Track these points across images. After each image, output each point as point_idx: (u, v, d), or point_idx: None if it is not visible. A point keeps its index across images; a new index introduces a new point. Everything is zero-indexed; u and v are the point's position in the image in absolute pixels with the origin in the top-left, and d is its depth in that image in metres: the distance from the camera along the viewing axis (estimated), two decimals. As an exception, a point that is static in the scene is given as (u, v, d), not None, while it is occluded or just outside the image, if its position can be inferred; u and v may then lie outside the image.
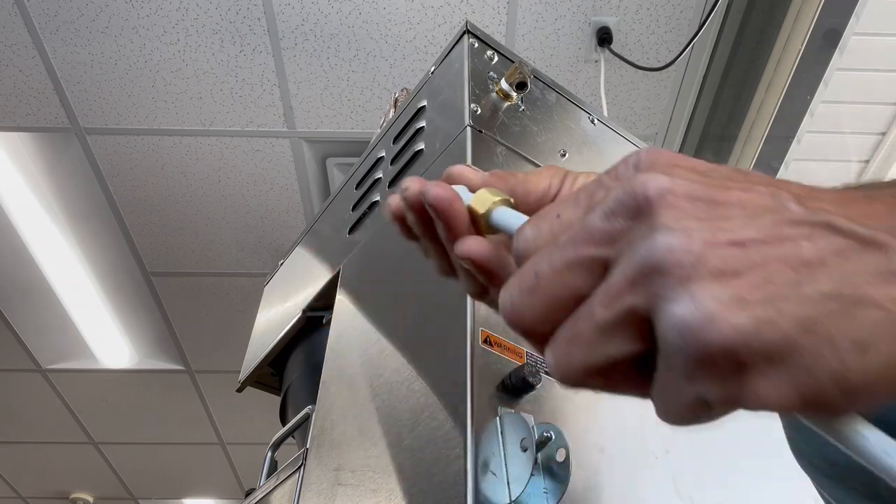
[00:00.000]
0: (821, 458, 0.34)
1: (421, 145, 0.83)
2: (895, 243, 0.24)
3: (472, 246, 0.34)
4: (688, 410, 0.25)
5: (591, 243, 0.27)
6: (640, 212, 0.25)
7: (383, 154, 0.96)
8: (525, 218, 0.32)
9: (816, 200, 0.25)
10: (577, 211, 0.29)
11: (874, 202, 0.26)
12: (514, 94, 0.78)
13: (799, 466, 0.39)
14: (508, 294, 0.29)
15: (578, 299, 0.27)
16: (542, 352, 0.29)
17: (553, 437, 0.48)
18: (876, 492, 0.30)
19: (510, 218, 0.34)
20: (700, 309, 0.23)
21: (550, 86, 0.88)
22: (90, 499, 4.08)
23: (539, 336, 0.28)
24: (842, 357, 0.22)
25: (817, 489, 0.36)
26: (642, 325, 0.25)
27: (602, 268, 0.26)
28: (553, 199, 0.37)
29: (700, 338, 0.23)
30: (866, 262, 0.23)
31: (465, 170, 0.38)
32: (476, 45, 0.82)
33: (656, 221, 0.25)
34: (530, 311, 0.28)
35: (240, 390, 1.23)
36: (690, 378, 0.24)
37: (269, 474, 0.93)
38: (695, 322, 0.23)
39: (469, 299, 0.56)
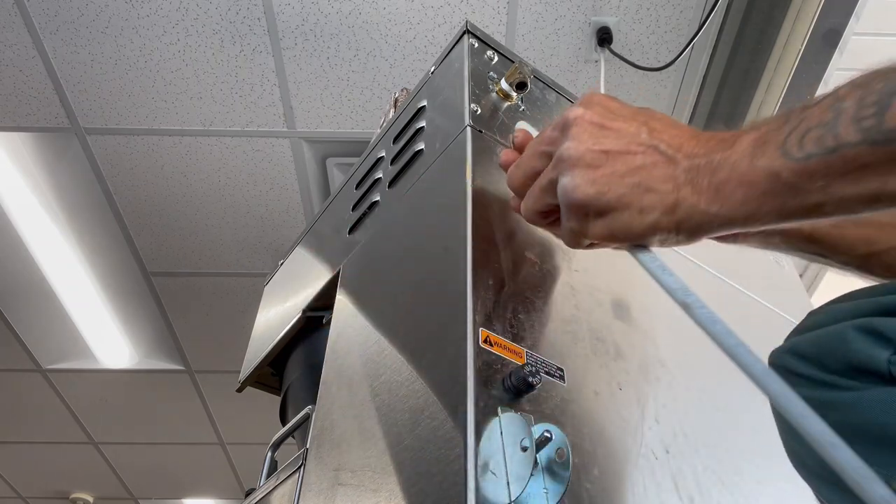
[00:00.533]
0: (815, 461, 0.34)
1: (421, 145, 0.83)
2: (683, 161, 0.43)
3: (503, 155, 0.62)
4: (569, 238, 0.48)
5: (543, 143, 0.50)
6: (564, 127, 0.49)
7: (383, 154, 0.96)
8: None
9: (660, 132, 0.45)
10: (546, 128, 0.51)
11: (698, 137, 0.44)
12: (514, 94, 0.78)
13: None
14: (510, 170, 0.54)
15: (538, 173, 0.50)
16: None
17: (553, 437, 0.48)
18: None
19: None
20: (572, 182, 0.46)
21: (550, 86, 0.88)
22: (90, 499, 4.08)
23: (520, 194, 0.53)
24: (632, 215, 0.44)
25: (814, 493, 0.37)
26: (555, 188, 0.47)
27: (548, 158, 0.49)
28: None
29: (570, 196, 0.46)
30: (664, 169, 0.43)
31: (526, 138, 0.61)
32: (476, 45, 0.83)
33: (567, 133, 0.48)
34: (517, 176, 0.53)
35: (240, 390, 1.23)
36: (567, 218, 0.47)
37: (269, 474, 0.93)
38: (569, 188, 0.46)
39: (469, 299, 0.56)
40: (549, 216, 0.51)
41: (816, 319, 0.37)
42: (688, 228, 0.42)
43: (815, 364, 0.35)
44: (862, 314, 0.34)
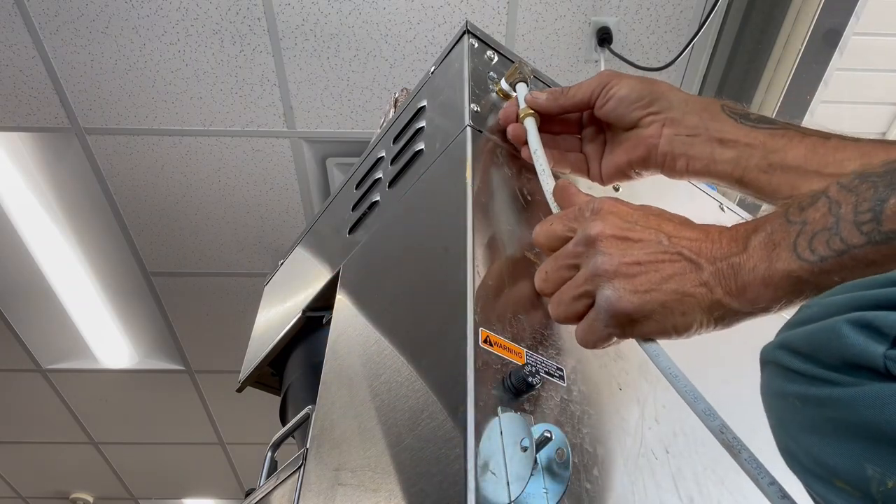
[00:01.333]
0: (810, 459, 0.34)
1: (421, 145, 0.83)
2: (707, 266, 0.48)
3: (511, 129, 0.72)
4: (600, 341, 0.52)
5: (570, 257, 0.54)
6: (589, 243, 0.52)
7: (383, 154, 0.96)
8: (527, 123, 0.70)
9: (678, 238, 0.50)
10: (562, 229, 0.56)
11: (711, 239, 0.49)
12: (514, 94, 0.78)
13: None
14: (538, 282, 0.57)
15: (566, 282, 0.54)
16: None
17: (553, 437, 0.48)
18: (868, 493, 0.30)
19: (529, 126, 0.69)
20: (616, 294, 0.50)
21: (550, 86, 0.88)
22: (90, 499, 4.08)
23: (548, 295, 0.56)
24: (676, 318, 0.49)
25: (807, 491, 0.36)
26: (590, 297, 0.52)
27: (575, 269, 0.53)
28: (595, 103, 0.68)
29: (615, 306, 0.50)
30: (694, 275, 0.48)
31: (533, 98, 0.71)
32: (476, 45, 0.83)
33: (594, 248, 0.52)
34: (546, 287, 0.56)
35: (240, 390, 1.22)
36: (606, 324, 0.51)
37: (269, 474, 0.93)
38: (613, 299, 0.50)
39: (469, 299, 0.57)
40: (576, 319, 0.54)
41: (809, 313, 0.36)
42: (722, 322, 0.49)
43: (809, 359, 0.34)
44: (856, 308, 0.33)
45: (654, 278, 0.49)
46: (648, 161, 0.67)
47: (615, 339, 0.52)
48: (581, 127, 0.74)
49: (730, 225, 0.50)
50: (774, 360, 0.37)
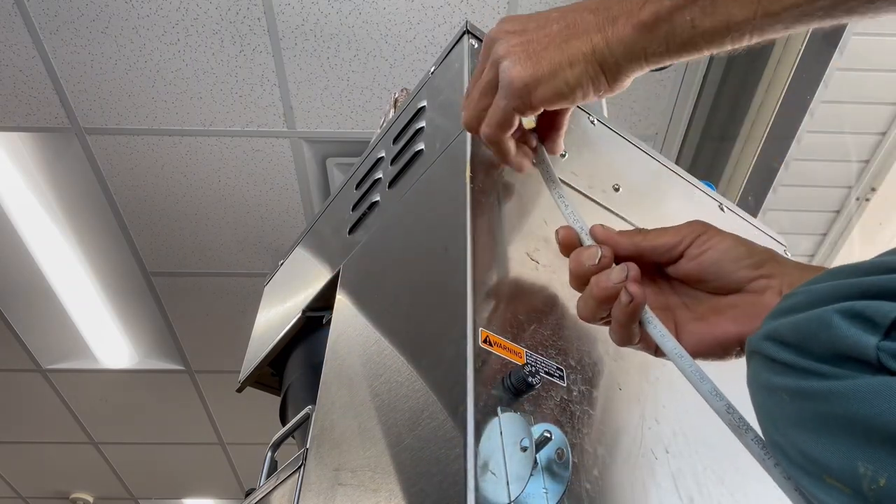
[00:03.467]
0: (798, 454, 0.33)
1: (421, 145, 0.83)
2: (588, 16, 0.54)
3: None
4: (502, 123, 0.59)
5: (480, 76, 0.60)
6: (494, 59, 0.58)
7: (383, 154, 0.96)
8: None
9: (568, 10, 0.56)
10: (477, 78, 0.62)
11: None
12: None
13: None
14: (464, 121, 0.64)
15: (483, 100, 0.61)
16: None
17: (553, 437, 0.48)
18: (859, 490, 0.29)
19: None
20: (511, 62, 0.56)
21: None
22: (90, 499, 4.08)
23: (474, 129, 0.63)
24: (565, 72, 0.54)
25: (796, 486, 0.35)
26: (494, 85, 0.58)
27: (489, 87, 0.60)
28: (683, 253, 0.54)
29: (510, 73, 0.56)
30: (577, 28, 0.55)
31: (605, 232, 0.57)
32: (476, 45, 0.83)
33: (498, 52, 0.58)
34: (468, 115, 0.63)
35: (240, 390, 1.22)
36: (506, 99, 0.57)
37: (269, 474, 0.93)
38: (509, 67, 0.56)
39: (469, 299, 0.56)
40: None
41: (794, 301, 0.35)
42: (610, 75, 0.54)
43: (797, 351, 0.33)
44: (843, 296, 0.32)
45: (543, 42, 0.55)
46: None
47: (517, 116, 0.58)
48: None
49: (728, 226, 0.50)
50: (760, 351, 0.36)
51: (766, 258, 0.52)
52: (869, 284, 0.31)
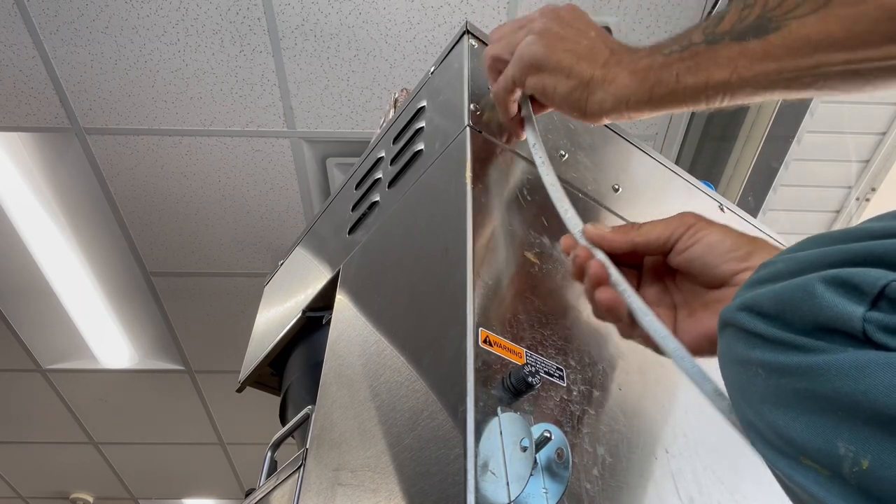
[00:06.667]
0: (774, 434, 0.30)
1: (421, 145, 0.83)
2: (608, 55, 0.60)
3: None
4: (505, 86, 0.67)
5: (520, 24, 0.68)
6: (531, 23, 0.65)
7: (383, 154, 0.96)
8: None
9: (601, 36, 0.62)
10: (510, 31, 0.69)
11: (623, 48, 0.61)
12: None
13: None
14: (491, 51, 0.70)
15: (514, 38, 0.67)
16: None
17: (553, 437, 0.48)
18: (839, 473, 0.26)
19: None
20: (533, 39, 0.63)
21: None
22: (90, 499, 4.08)
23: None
24: (561, 78, 0.60)
25: (771, 469, 0.32)
26: (515, 46, 0.66)
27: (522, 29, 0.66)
28: (673, 246, 0.53)
29: (527, 49, 0.63)
30: (595, 55, 0.60)
31: (598, 232, 0.56)
32: (476, 45, 0.83)
33: (539, 22, 0.65)
34: (494, 41, 0.69)
35: (240, 390, 1.23)
36: (514, 66, 0.64)
37: (269, 474, 0.93)
38: (530, 42, 0.63)
39: (469, 299, 0.56)
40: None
41: (774, 270, 0.31)
42: (592, 104, 0.59)
43: (776, 322, 0.30)
44: (829, 264, 0.29)
45: (568, 45, 0.61)
46: None
47: (515, 87, 0.65)
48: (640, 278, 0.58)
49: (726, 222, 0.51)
50: (734, 323, 0.32)
51: (752, 249, 0.50)
52: (858, 250, 0.28)
